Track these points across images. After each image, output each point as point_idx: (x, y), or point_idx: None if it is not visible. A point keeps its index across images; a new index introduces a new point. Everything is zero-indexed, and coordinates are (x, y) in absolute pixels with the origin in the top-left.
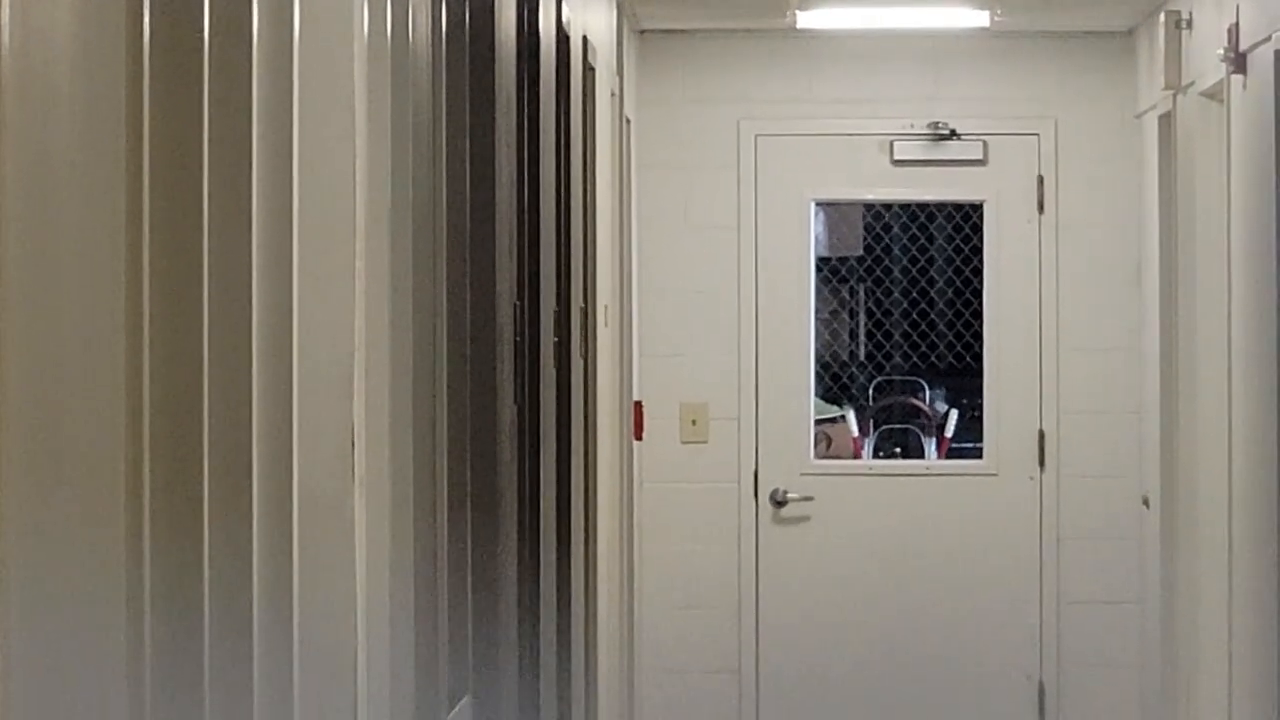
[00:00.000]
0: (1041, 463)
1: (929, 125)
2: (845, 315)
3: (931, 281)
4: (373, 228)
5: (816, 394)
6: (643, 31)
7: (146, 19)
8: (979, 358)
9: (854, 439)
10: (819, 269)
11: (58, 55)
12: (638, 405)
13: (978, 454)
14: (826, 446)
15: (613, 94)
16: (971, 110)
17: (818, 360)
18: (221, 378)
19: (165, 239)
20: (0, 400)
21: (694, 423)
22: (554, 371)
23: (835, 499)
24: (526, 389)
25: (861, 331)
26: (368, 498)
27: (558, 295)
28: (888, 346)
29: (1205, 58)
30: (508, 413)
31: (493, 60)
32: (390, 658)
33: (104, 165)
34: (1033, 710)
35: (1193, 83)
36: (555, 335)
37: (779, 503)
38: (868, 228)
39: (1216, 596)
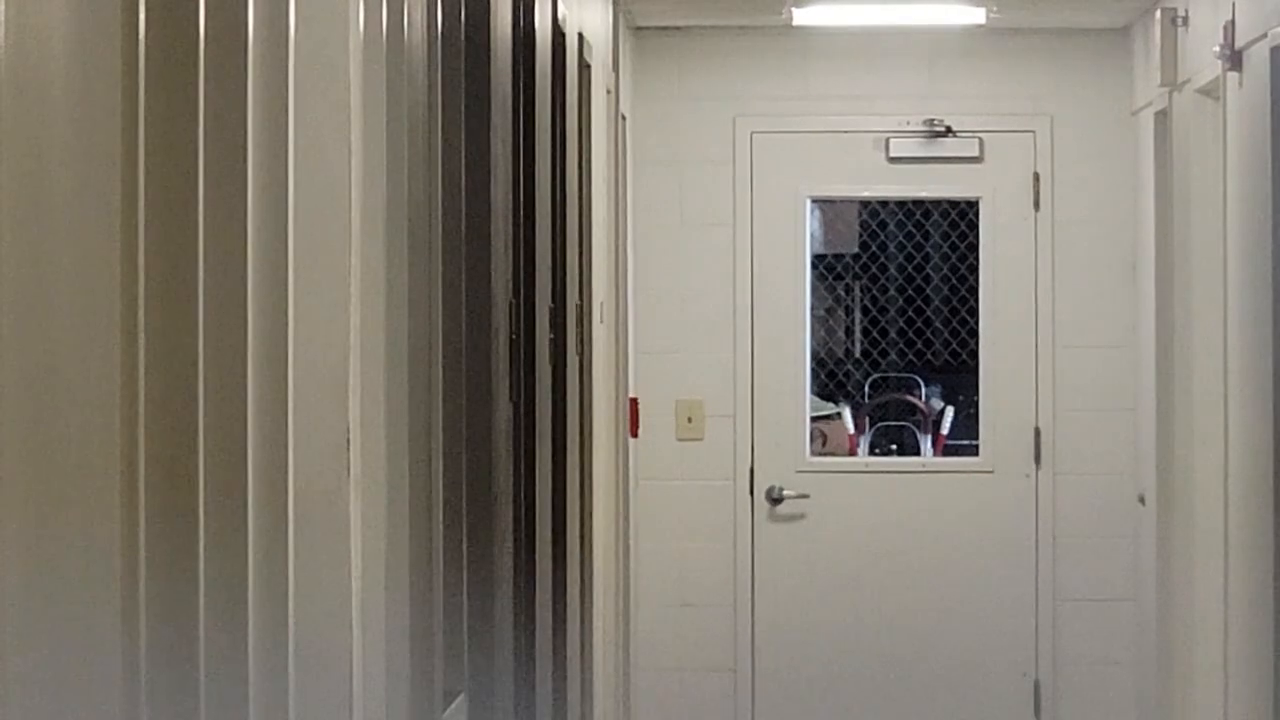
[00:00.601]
0: (1037, 460)
1: (925, 122)
2: (841, 312)
3: (927, 278)
4: (368, 225)
5: (812, 391)
6: (638, 28)
7: (142, 16)
8: (975, 355)
9: (850, 436)
10: (815, 266)
11: (53, 53)
12: (633, 402)
13: (973, 451)
14: (822, 444)
15: (608, 91)
16: (967, 107)
17: (813, 357)
18: (216, 376)
19: (160, 237)
20: None
21: (690, 420)
22: (550, 368)
23: (831, 496)
24: (522, 386)
25: (857, 328)
26: (363, 495)
27: (553, 292)
28: (883, 343)
29: (1201, 55)
30: (503, 410)
31: (488, 57)
32: (385, 655)
33: (99, 163)
34: (1028, 707)
35: (1189, 80)
36: (551, 332)
37: (775, 500)
38: (863, 225)
39: (1212, 594)
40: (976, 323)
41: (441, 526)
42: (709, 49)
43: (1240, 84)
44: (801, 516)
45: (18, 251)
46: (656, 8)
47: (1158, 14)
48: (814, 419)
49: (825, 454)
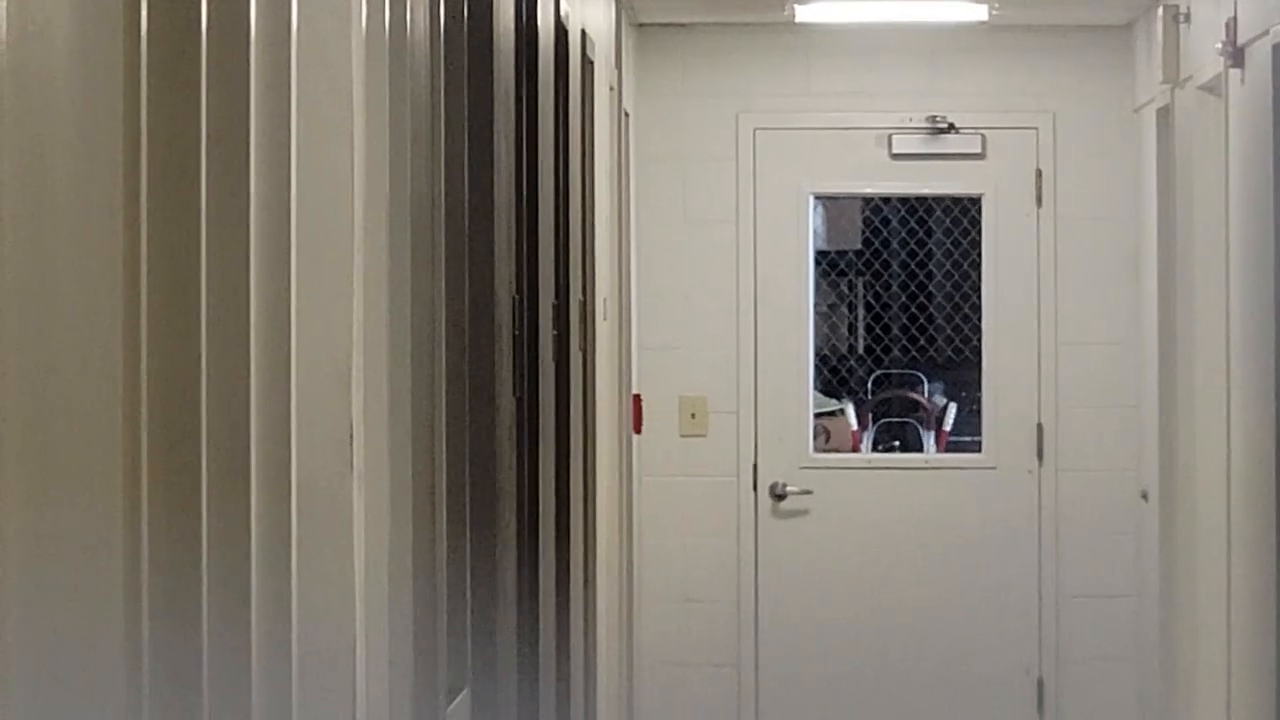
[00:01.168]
0: (1040, 456)
1: (927, 119)
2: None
3: (930, 275)
4: (371, 221)
5: (815, 387)
6: (641, 25)
7: (144, 12)
8: (978, 351)
9: (853, 432)
10: (818, 262)
11: (54, 48)
12: (637, 398)
13: (976, 447)
14: (826, 440)
15: (611, 88)
16: (970, 104)
17: (816, 354)
18: (220, 370)
19: (163, 232)
20: None
21: (693, 416)
22: (553, 364)
23: (834, 492)
24: (525, 382)
25: (860, 325)
26: (366, 490)
27: (556, 288)
28: (886, 340)
29: (1203, 52)
30: (507, 406)
31: (491, 54)
32: (389, 650)
33: (101, 159)
34: (1031, 703)
35: (1191, 77)
36: (554, 328)
37: (778, 496)
38: (866, 221)
39: (1215, 590)
40: (979, 319)
41: (445, 522)
42: (712, 46)
43: (1242, 81)
44: (804, 513)
45: (20, 247)
46: (659, 4)
47: (1160, 11)
48: (817, 415)
49: (828, 450)
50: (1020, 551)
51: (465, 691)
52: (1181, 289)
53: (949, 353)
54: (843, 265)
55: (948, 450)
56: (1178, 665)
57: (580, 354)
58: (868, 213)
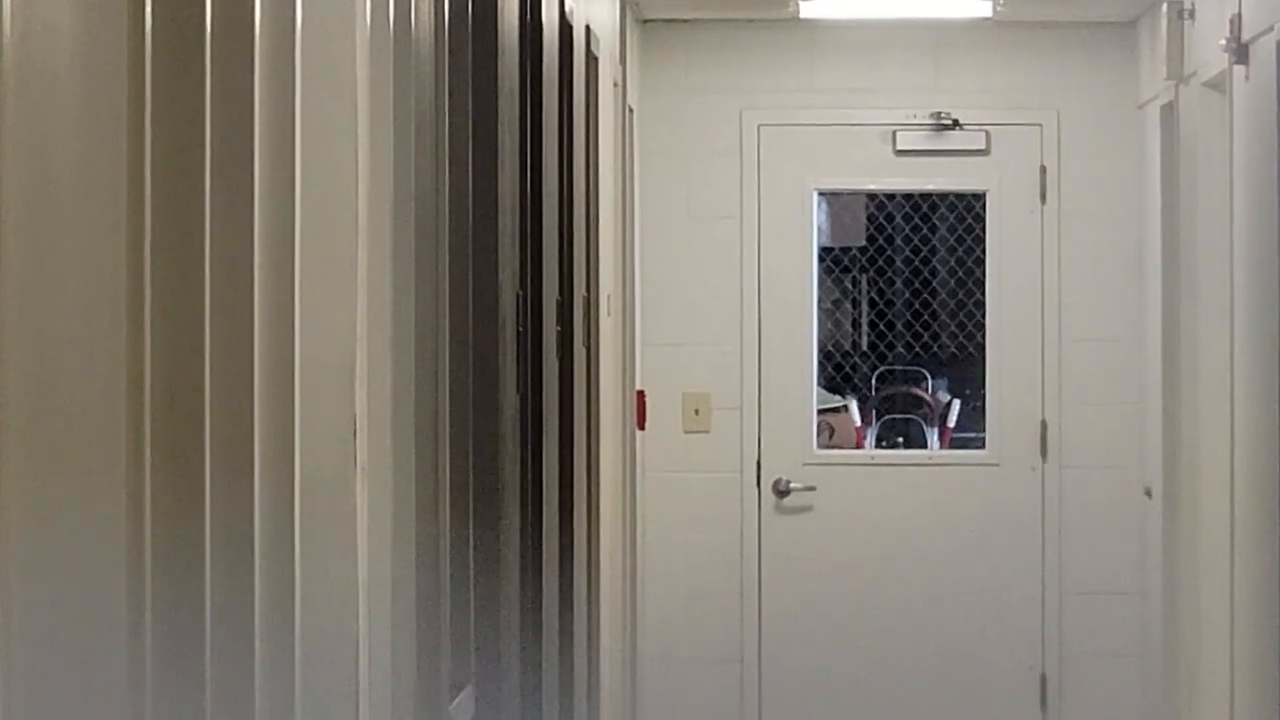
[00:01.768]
0: (1043, 453)
1: (931, 115)
2: (848, 305)
3: (934, 272)
4: (375, 217)
5: (819, 384)
6: (645, 21)
7: (148, 10)
8: (981, 348)
9: (857, 429)
10: (821, 259)
11: (58, 47)
12: (640, 395)
13: (980, 444)
14: (829, 436)
15: (615, 84)
16: (974, 100)
17: (820, 350)
18: (223, 365)
19: (167, 228)
20: (1, 389)
21: (697, 412)
22: (556, 361)
23: (838, 489)
24: (529, 378)
25: (864, 321)
26: (370, 485)
27: (560, 284)
28: (890, 336)
29: (1207, 48)
30: (510, 401)
31: (495, 50)
32: (392, 646)
33: (105, 156)
34: (1034, 700)
35: (1195, 73)
36: (558, 324)
37: (782, 492)
38: (870, 218)
39: (1218, 587)
40: (983, 316)
41: (448, 517)
42: (716, 42)
43: (1246, 77)
44: (808, 509)
45: (24, 245)
46: (664, 0)
47: (1164, 8)
48: (821, 412)
49: (832, 447)
50: (1024, 548)
51: (469, 687)
52: (1185, 286)
53: (953, 349)
54: (846, 261)
55: (951, 447)
56: (1181, 662)
57: (584, 350)
58: (872, 209)
